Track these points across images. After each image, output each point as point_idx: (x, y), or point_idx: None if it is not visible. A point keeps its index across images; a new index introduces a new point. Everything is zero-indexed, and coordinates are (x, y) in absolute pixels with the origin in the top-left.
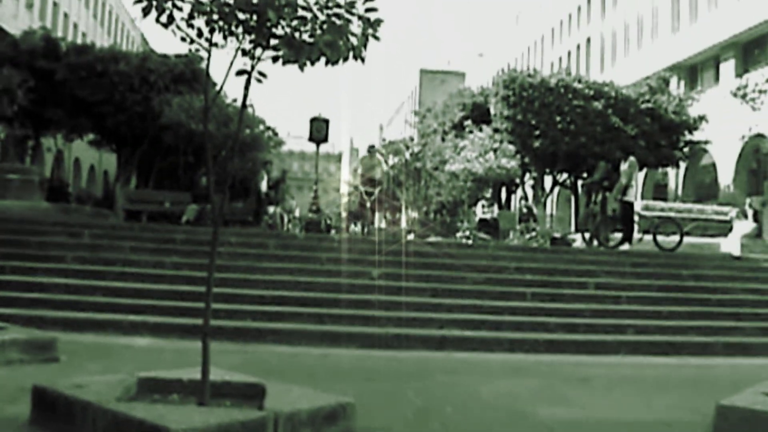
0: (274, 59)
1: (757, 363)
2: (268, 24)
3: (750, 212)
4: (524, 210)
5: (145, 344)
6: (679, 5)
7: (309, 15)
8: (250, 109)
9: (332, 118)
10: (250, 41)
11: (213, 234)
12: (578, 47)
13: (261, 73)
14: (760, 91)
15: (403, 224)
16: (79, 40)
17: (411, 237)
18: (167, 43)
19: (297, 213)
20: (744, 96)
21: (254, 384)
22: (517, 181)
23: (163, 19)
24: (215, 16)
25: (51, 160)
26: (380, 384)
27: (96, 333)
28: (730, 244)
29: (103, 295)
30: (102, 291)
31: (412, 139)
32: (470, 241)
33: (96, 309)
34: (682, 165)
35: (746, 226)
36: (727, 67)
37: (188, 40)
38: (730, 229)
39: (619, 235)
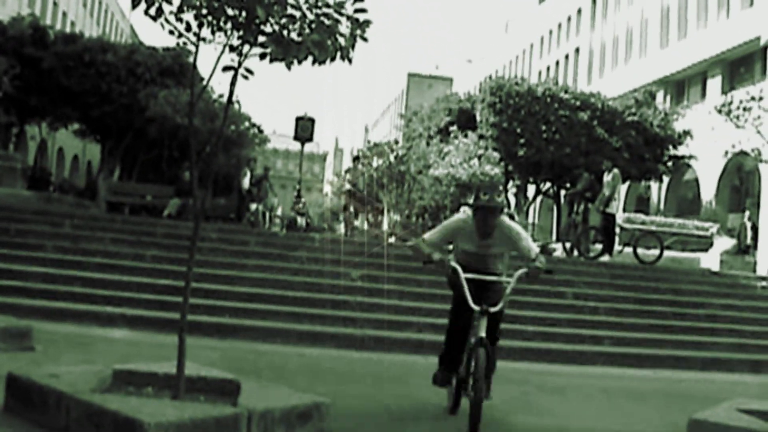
0: (262, 56)
1: (732, 378)
2: (257, 21)
3: (749, 225)
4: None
5: (122, 336)
6: (669, 21)
7: (298, 14)
8: (236, 105)
9: (318, 117)
10: (239, 37)
11: (194, 229)
12: (566, 57)
13: (248, 70)
14: (745, 109)
15: (385, 227)
16: (67, 29)
17: (392, 240)
18: (156, 35)
19: (279, 211)
20: (728, 113)
21: (229, 380)
22: (501, 188)
23: (152, 11)
24: (204, 11)
25: (34, 149)
26: (356, 386)
27: (73, 323)
28: (710, 260)
29: (81, 285)
30: (81, 281)
31: (397, 142)
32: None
33: (74, 299)
34: (666, 179)
35: (727, 242)
36: (714, 84)
37: (176, 33)
38: (711, 245)
39: (599, 247)
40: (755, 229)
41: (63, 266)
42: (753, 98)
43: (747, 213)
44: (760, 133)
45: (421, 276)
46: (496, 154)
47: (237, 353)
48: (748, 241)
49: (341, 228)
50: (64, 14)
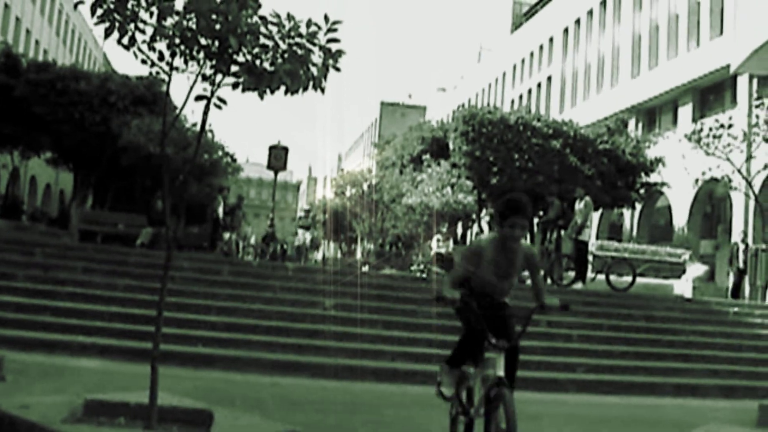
0: (234, 86)
1: (705, 404)
2: (230, 50)
3: (742, 248)
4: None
5: (94, 366)
6: (640, 50)
7: (271, 43)
8: (209, 135)
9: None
10: (211, 67)
11: (166, 258)
12: (539, 86)
13: (221, 99)
14: (714, 137)
15: (359, 255)
16: (40, 57)
17: (366, 269)
18: (129, 63)
19: (252, 240)
20: (698, 141)
21: (202, 410)
22: (474, 216)
23: (125, 41)
24: (177, 40)
25: (6, 177)
26: (329, 415)
27: (45, 353)
28: (683, 286)
29: (53, 315)
30: (52, 311)
31: (370, 171)
32: (425, 275)
33: (45, 329)
34: (638, 206)
35: (699, 268)
36: (685, 112)
37: (149, 63)
38: (683, 272)
39: (572, 274)
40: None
41: (34, 295)
42: (722, 126)
43: (741, 234)
44: (729, 161)
45: (395, 305)
46: (469, 183)
47: (210, 383)
48: (740, 264)
49: (316, 257)
50: (37, 42)
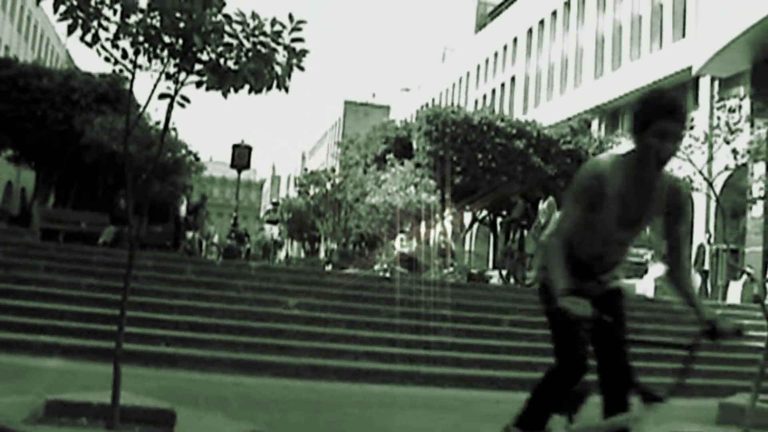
0: (198, 84)
1: (666, 404)
2: (194, 49)
3: (708, 249)
4: (443, 245)
5: (56, 366)
6: (603, 51)
7: (235, 42)
8: (173, 133)
9: (255, 144)
10: (175, 65)
11: (129, 257)
12: (503, 86)
13: (184, 98)
14: None
15: (322, 255)
16: (1, 53)
17: (329, 268)
18: (93, 61)
19: (216, 239)
20: None
21: (165, 410)
22: (437, 216)
23: (88, 38)
24: (141, 38)
25: None
26: (292, 414)
27: (5, 353)
28: (645, 286)
29: (14, 314)
30: (14, 310)
31: (333, 170)
32: (388, 275)
33: (7, 328)
34: None
35: (661, 268)
36: None
37: (113, 60)
38: (645, 271)
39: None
40: (717, 253)
41: None
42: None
43: (707, 235)
44: (691, 162)
45: (357, 304)
46: (433, 182)
47: (173, 382)
48: (706, 266)
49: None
50: None
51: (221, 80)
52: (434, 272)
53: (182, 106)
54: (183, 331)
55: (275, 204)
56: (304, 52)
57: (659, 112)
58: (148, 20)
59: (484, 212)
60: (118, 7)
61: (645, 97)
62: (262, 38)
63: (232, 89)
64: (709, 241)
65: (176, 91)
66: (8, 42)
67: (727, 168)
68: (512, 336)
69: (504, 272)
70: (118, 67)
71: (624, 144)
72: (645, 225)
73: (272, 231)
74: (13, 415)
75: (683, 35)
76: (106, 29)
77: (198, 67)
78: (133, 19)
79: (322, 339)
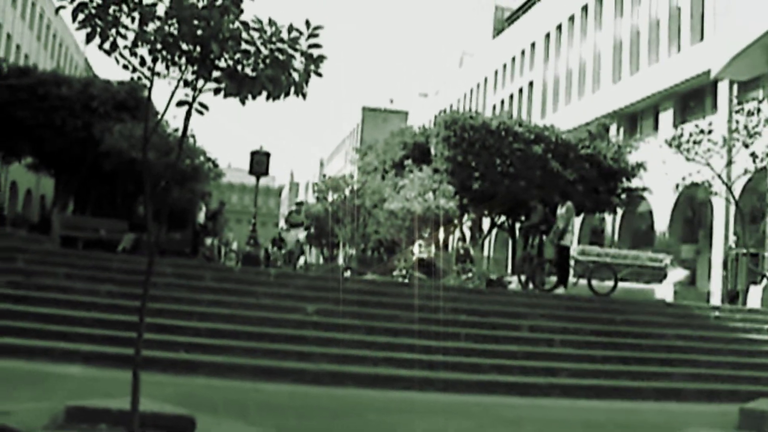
0: (216, 91)
1: (686, 408)
2: (212, 56)
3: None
4: (461, 251)
5: (76, 373)
6: (621, 55)
7: (252, 49)
8: (191, 140)
9: (273, 150)
10: (193, 72)
11: (148, 263)
12: (521, 91)
13: (202, 105)
14: (695, 142)
15: (341, 261)
16: (21, 62)
17: (348, 274)
18: (111, 68)
19: (234, 246)
20: (678, 146)
21: (184, 416)
22: (456, 221)
23: (107, 46)
24: (159, 46)
25: None
26: (311, 421)
27: (26, 360)
28: (664, 291)
29: (35, 321)
30: (34, 317)
31: (352, 176)
32: (407, 280)
33: (27, 335)
34: (620, 211)
35: (680, 273)
36: (666, 117)
37: (131, 68)
38: (664, 276)
39: (554, 279)
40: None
41: (16, 302)
42: (702, 131)
43: (734, 237)
44: (710, 166)
45: (376, 310)
46: (451, 188)
47: (192, 389)
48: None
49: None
50: (18, 47)
51: (239, 87)
52: (453, 278)
53: (200, 113)
54: (202, 337)
55: (299, 204)
56: (321, 58)
57: None
58: (166, 28)
59: (503, 217)
60: (136, 15)
61: None
62: (279, 45)
63: (249, 96)
64: (736, 245)
65: (194, 98)
66: (28, 50)
67: (746, 172)
68: (531, 341)
69: (523, 278)
70: (136, 75)
71: (642, 148)
72: None
73: (299, 234)
74: (33, 421)
75: (701, 39)
76: (124, 37)
77: (216, 74)
78: (151, 27)
79: (341, 345)
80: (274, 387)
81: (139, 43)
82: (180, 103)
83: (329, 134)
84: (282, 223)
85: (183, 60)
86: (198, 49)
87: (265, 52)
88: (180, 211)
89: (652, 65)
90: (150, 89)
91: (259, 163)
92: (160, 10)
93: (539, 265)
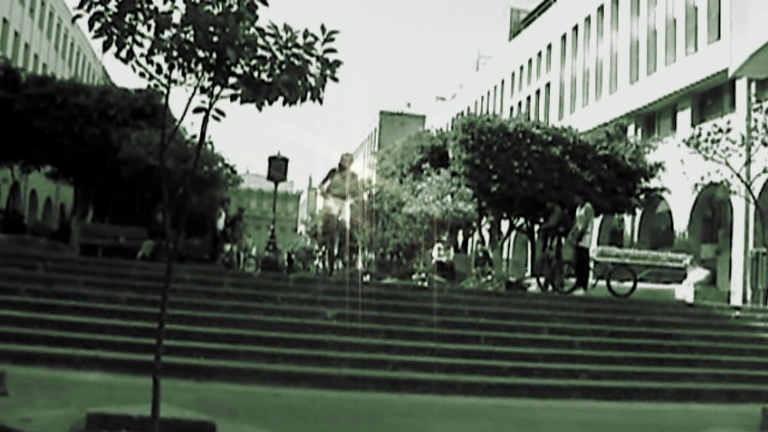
0: (233, 98)
1: (707, 409)
2: (228, 62)
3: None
4: (480, 254)
5: (96, 379)
6: (638, 55)
7: (268, 55)
8: (209, 146)
9: (291, 156)
10: (209, 79)
11: (167, 270)
12: (538, 93)
13: (219, 111)
14: (713, 141)
15: (360, 265)
16: (39, 71)
17: (367, 278)
18: (128, 76)
19: (254, 251)
20: (697, 146)
21: (204, 422)
22: (474, 224)
23: (123, 54)
24: (175, 53)
25: (6, 191)
26: (331, 425)
27: (47, 367)
28: (684, 291)
29: (55, 328)
30: (54, 325)
31: (370, 181)
32: (426, 284)
33: (47, 343)
34: (638, 212)
35: (700, 273)
36: (684, 117)
37: (147, 75)
38: (684, 277)
39: (573, 281)
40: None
41: (36, 309)
42: (720, 130)
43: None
44: (728, 165)
45: (396, 314)
46: (469, 191)
47: (212, 394)
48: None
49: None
50: (36, 56)
51: (255, 93)
52: (472, 281)
53: (217, 119)
54: (222, 343)
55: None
56: (337, 63)
57: None
58: (182, 35)
59: (522, 220)
60: (151, 23)
61: None
62: (294, 50)
63: (266, 101)
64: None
65: (211, 105)
66: (46, 60)
67: (765, 170)
68: (551, 344)
69: (542, 279)
70: (153, 82)
71: (660, 148)
72: None
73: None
74: (54, 428)
75: (718, 37)
76: (140, 45)
77: (232, 80)
78: (166, 34)
79: (360, 349)
80: (294, 392)
81: (156, 51)
82: (197, 110)
83: (347, 138)
84: (300, 228)
85: (199, 67)
86: (214, 55)
87: (280, 57)
88: (199, 217)
89: (669, 65)
90: (167, 96)
91: (277, 168)
92: (176, 17)
93: (558, 266)
